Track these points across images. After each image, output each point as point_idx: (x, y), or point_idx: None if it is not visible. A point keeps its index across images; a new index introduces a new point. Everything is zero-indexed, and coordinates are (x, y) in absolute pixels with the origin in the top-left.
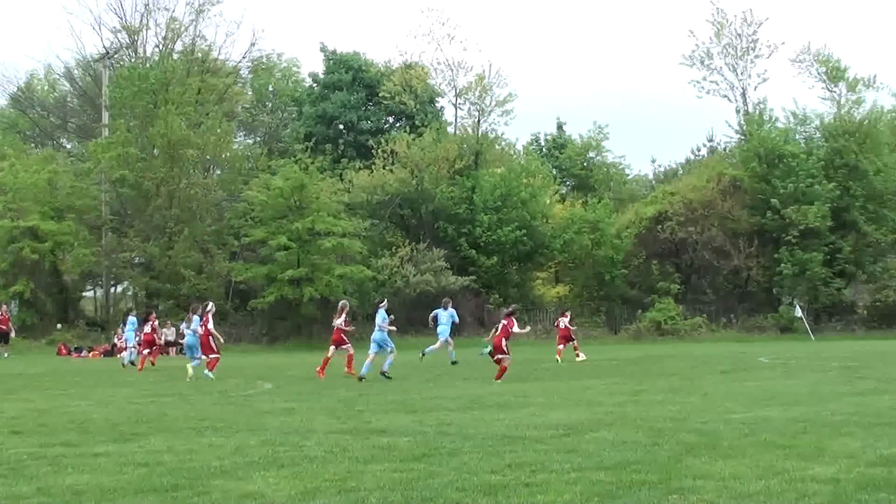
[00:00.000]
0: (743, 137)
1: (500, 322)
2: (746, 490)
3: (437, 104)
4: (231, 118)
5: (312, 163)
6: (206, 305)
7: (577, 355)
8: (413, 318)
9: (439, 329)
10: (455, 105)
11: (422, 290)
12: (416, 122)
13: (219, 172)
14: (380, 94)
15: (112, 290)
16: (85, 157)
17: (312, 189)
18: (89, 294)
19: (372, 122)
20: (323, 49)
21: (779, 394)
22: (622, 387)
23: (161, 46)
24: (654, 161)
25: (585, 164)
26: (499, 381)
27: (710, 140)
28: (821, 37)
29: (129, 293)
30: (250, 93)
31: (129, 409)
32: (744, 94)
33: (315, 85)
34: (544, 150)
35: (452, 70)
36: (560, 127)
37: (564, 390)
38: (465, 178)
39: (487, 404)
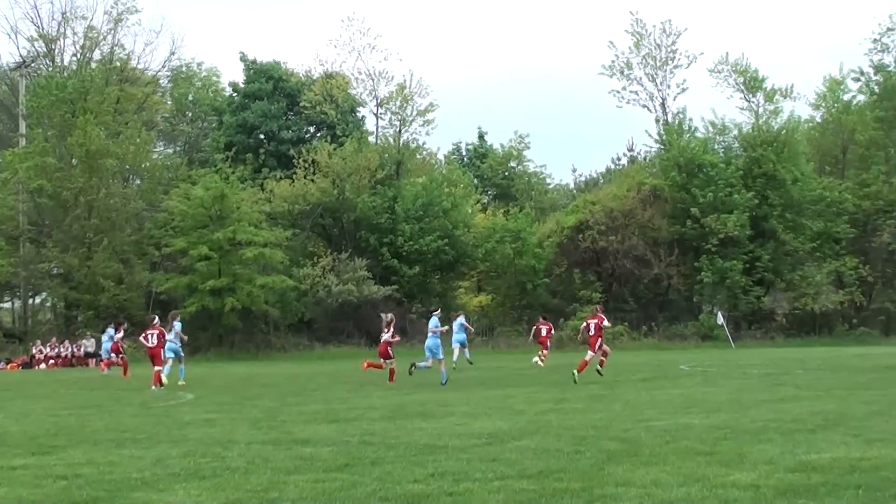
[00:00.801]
0: (663, 147)
1: (588, 321)
2: (668, 497)
3: (358, 114)
4: (150, 128)
5: (233, 172)
6: (154, 319)
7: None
8: (336, 328)
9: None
10: (376, 115)
11: (344, 299)
12: (338, 132)
13: (138, 182)
14: (300, 104)
15: (30, 301)
16: (2, 166)
17: (233, 199)
18: (7, 305)
19: (293, 131)
20: (243, 58)
21: (700, 401)
22: (544, 395)
23: (79, 55)
24: (574, 170)
25: (507, 173)
26: (601, 367)
27: (631, 149)
28: (738, 47)
29: (48, 304)
30: (170, 102)
31: (48, 421)
32: (663, 104)
33: (235, 94)
34: (466, 159)
35: (373, 80)
36: (481, 136)
37: (487, 399)
38: (387, 188)
39: (410, 413)
